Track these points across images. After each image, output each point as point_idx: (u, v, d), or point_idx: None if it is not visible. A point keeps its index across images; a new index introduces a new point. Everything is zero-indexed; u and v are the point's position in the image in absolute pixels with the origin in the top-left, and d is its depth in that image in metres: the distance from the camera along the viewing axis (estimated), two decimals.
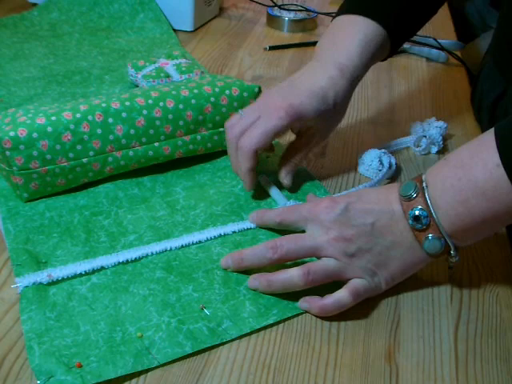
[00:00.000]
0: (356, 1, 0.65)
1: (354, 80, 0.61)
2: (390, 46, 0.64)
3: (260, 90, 0.68)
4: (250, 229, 0.57)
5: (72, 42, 0.98)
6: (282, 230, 0.55)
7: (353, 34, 0.61)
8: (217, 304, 0.48)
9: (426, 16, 0.68)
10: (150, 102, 0.61)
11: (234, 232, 0.56)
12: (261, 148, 0.57)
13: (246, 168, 0.58)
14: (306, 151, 0.62)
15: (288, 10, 1.14)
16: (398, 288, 0.52)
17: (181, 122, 0.63)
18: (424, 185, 0.47)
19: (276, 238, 0.56)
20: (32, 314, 0.45)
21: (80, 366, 0.41)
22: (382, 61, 0.67)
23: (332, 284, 0.49)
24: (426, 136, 0.72)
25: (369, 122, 0.80)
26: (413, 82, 0.93)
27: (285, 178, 0.61)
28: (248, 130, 0.57)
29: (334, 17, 0.65)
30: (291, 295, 0.49)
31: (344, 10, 0.64)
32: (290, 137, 0.66)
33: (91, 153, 0.59)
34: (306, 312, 0.48)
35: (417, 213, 0.46)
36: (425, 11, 0.67)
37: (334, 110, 0.60)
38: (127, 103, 0.61)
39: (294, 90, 0.59)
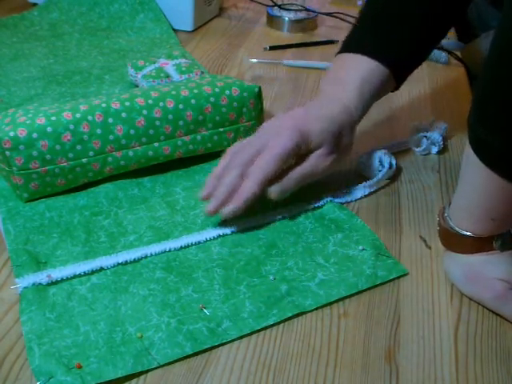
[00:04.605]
0: (357, 38, 0.64)
1: (356, 121, 0.61)
2: (395, 80, 0.64)
3: (260, 90, 0.68)
4: (249, 228, 0.57)
5: (72, 42, 0.98)
6: (282, 229, 0.55)
7: (353, 75, 0.61)
8: (217, 304, 0.48)
9: (432, 44, 0.67)
10: (150, 102, 0.61)
11: (233, 232, 0.56)
12: (274, 174, 0.55)
13: (250, 195, 0.54)
14: (305, 177, 0.58)
15: (288, 9, 1.14)
16: (398, 288, 0.52)
17: (181, 122, 0.63)
18: None
19: (276, 236, 0.56)
20: (32, 315, 0.45)
21: (80, 367, 0.41)
22: (392, 91, 0.67)
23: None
24: (426, 136, 0.72)
25: (369, 121, 0.80)
26: (413, 82, 0.93)
27: (274, 189, 0.56)
28: (259, 155, 0.55)
29: (336, 53, 0.65)
30: (291, 294, 0.49)
31: (345, 47, 0.64)
32: None
33: (91, 153, 0.59)
34: (306, 312, 0.48)
35: None
36: (430, 41, 0.66)
37: (339, 142, 0.59)
38: (127, 103, 0.61)
39: (299, 114, 0.59)
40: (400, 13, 0.62)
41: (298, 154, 0.56)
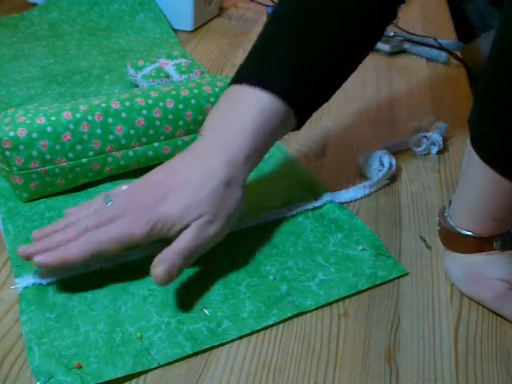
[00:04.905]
0: (252, 65, 0.54)
1: (246, 173, 0.51)
2: (297, 120, 0.54)
3: None
4: (248, 228, 0.57)
5: (72, 42, 0.97)
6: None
7: (246, 115, 0.51)
8: (217, 304, 0.48)
9: (344, 77, 0.57)
10: (150, 102, 0.61)
11: (233, 232, 0.56)
12: (109, 254, 0.47)
13: (72, 257, 0.45)
14: (191, 253, 0.47)
15: None
16: (398, 288, 0.52)
17: (181, 122, 0.63)
18: None
19: (276, 236, 0.56)
20: (32, 315, 0.45)
21: (80, 367, 0.41)
22: (293, 130, 0.56)
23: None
24: (426, 136, 0.72)
25: (369, 121, 0.80)
26: (413, 82, 0.93)
27: (159, 270, 0.45)
28: (102, 228, 0.47)
29: (228, 84, 0.54)
30: (291, 294, 0.49)
31: (238, 77, 0.54)
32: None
33: (91, 153, 0.59)
34: (306, 312, 0.48)
35: None
36: (342, 73, 0.56)
37: (221, 204, 0.48)
38: (127, 103, 0.60)
39: (167, 187, 0.48)
40: (310, 35, 0.52)
41: (165, 234, 0.47)
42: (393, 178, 0.67)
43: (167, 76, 0.78)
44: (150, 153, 0.62)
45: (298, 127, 0.56)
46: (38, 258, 0.45)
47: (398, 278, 0.53)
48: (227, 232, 0.50)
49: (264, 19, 1.16)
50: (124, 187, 0.51)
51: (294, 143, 0.73)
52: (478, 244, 0.49)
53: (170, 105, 0.62)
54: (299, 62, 0.53)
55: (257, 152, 0.51)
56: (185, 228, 0.47)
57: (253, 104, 0.51)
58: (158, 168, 0.51)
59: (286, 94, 0.51)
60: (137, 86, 0.80)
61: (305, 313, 0.48)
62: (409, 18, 1.19)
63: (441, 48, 1.01)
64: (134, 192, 0.49)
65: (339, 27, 0.53)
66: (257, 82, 0.51)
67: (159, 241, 0.49)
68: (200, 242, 0.47)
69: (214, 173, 0.49)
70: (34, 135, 0.56)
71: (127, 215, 0.47)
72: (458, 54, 1.03)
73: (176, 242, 0.47)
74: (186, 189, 0.48)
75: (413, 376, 0.44)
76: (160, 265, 0.45)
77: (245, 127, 0.50)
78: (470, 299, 0.51)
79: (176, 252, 0.46)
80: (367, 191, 0.64)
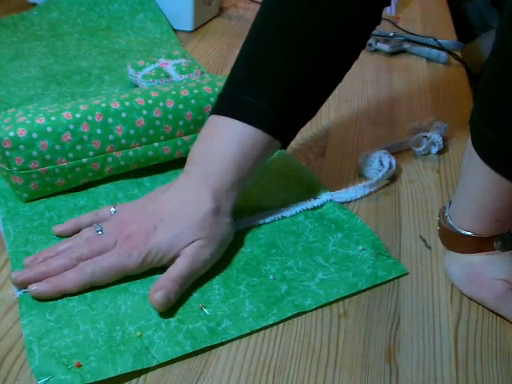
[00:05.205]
0: (232, 95, 0.54)
1: (231, 205, 0.52)
2: (281, 144, 0.55)
3: None
4: (249, 227, 0.57)
5: (72, 42, 0.97)
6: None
7: (227, 148, 0.51)
8: (216, 303, 0.48)
9: (322, 98, 0.57)
10: (150, 102, 0.61)
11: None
12: (103, 283, 0.48)
13: (68, 287, 0.47)
14: (188, 277, 0.49)
15: None
16: (398, 288, 0.52)
17: (181, 122, 0.63)
18: None
19: (276, 235, 0.56)
20: (32, 318, 0.45)
21: (79, 366, 0.41)
22: (280, 149, 0.57)
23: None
24: (426, 136, 0.72)
25: (369, 122, 0.80)
26: (413, 82, 0.93)
27: (158, 295, 0.46)
28: (97, 258, 0.48)
29: (210, 113, 0.55)
30: (291, 294, 0.49)
31: (218, 107, 0.54)
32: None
33: (91, 153, 0.59)
34: (306, 312, 0.48)
35: None
36: (318, 94, 0.57)
37: (210, 231, 0.50)
38: (127, 103, 0.60)
39: (157, 218, 0.49)
40: (286, 62, 0.53)
41: (158, 263, 0.49)
42: (393, 177, 0.67)
43: (167, 76, 0.78)
44: (150, 153, 0.62)
45: (283, 147, 0.57)
46: (33, 288, 0.46)
47: (398, 277, 0.53)
48: (219, 257, 0.52)
49: None
50: (112, 209, 0.53)
51: (294, 143, 0.72)
52: (478, 244, 0.49)
53: (170, 105, 0.62)
54: (285, 77, 0.53)
55: (242, 178, 0.52)
56: (177, 255, 0.49)
57: (235, 136, 0.52)
58: (146, 200, 0.53)
59: (269, 127, 0.52)
60: (137, 86, 0.80)
61: (305, 313, 0.48)
62: (409, 18, 1.19)
63: (441, 48, 1.01)
64: (124, 221, 0.50)
65: (327, 26, 0.53)
66: (237, 116, 0.52)
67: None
68: (196, 267, 0.49)
69: (201, 203, 0.50)
70: (34, 135, 0.56)
71: (119, 247, 0.48)
72: (458, 54, 1.03)
73: (171, 270, 0.48)
74: (176, 218, 0.50)
75: (413, 376, 0.44)
76: (157, 292, 0.46)
77: (228, 154, 0.51)
78: (470, 299, 0.51)
79: (171, 279, 0.47)
80: (367, 191, 0.64)
